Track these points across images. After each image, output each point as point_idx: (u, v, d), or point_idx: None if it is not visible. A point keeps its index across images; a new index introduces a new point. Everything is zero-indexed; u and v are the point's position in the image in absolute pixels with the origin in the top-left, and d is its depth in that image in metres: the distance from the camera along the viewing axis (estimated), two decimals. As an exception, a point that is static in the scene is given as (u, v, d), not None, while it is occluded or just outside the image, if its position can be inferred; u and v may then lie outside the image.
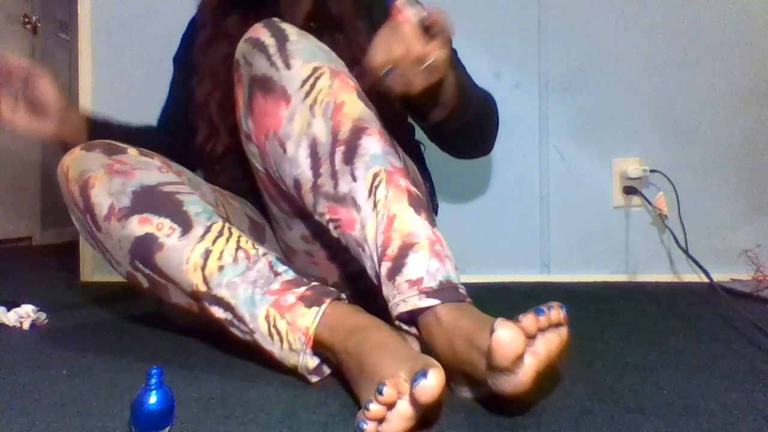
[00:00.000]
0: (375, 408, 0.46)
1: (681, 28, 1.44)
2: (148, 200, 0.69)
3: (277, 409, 0.55)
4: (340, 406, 0.55)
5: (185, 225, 0.67)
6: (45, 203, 2.99)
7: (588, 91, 1.46)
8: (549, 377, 0.59)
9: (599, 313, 1.03)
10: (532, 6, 1.47)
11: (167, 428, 0.47)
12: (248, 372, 0.66)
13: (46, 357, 0.75)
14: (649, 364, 0.69)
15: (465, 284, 0.61)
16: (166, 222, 0.67)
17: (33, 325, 0.92)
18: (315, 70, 0.67)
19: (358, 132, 0.64)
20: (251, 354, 0.66)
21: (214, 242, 0.66)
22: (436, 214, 1.11)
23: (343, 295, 0.65)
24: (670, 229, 1.35)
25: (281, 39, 0.69)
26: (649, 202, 1.41)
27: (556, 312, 0.50)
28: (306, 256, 0.84)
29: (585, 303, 1.14)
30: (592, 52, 1.46)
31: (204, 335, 0.82)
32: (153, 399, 0.46)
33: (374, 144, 0.64)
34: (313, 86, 0.66)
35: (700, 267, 1.07)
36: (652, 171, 1.41)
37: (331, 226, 0.66)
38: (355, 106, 0.66)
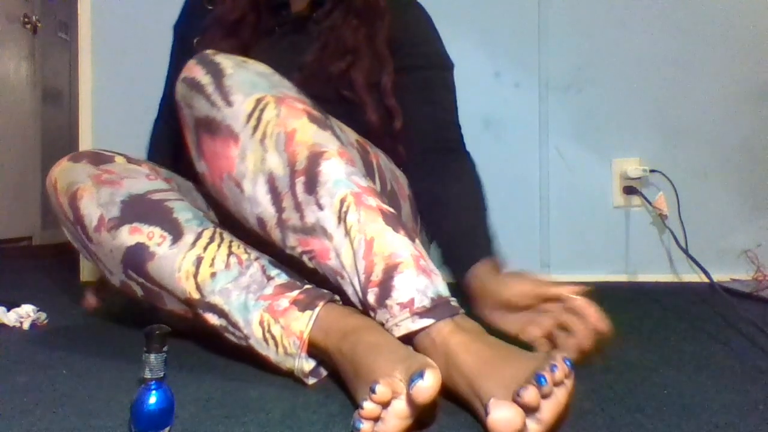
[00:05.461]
0: (369, 407, 0.46)
1: (681, 28, 1.44)
2: (138, 209, 0.68)
3: (277, 409, 0.55)
4: (340, 406, 0.55)
5: (176, 232, 0.67)
6: (45, 203, 2.98)
7: (588, 91, 1.46)
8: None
9: (599, 313, 1.03)
10: (532, 6, 1.46)
11: (167, 428, 0.47)
12: (248, 372, 0.66)
13: (46, 357, 0.75)
14: (649, 364, 0.69)
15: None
16: (157, 230, 0.67)
17: (33, 325, 0.92)
18: (258, 102, 0.63)
19: (315, 158, 0.61)
20: (250, 355, 0.66)
21: (205, 249, 0.66)
22: None
23: (337, 297, 0.64)
24: (670, 229, 1.35)
25: (217, 75, 0.64)
26: (649, 202, 1.41)
27: (560, 371, 0.47)
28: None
29: (585, 303, 1.14)
30: (592, 52, 1.46)
31: (201, 338, 0.82)
32: (153, 399, 0.46)
33: (335, 168, 0.61)
34: (259, 120, 0.62)
35: (700, 267, 1.07)
36: (652, 171, 1.41)
37: (305, 258, 0.64)
38: (307, 132, 0.62)
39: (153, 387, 0.47)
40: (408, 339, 0.58)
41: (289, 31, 0.94)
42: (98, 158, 0.75)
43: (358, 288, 0.60)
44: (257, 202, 0.64)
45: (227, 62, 0.65)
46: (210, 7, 0.95)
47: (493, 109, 1.47)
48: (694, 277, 1.36)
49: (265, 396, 0.58)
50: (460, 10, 1.46)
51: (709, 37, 1.43)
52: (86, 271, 1.53)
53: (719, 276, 1.23)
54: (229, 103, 0.63)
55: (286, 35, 0.94)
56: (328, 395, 0.58)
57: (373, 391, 0.45)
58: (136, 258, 0.67)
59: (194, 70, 0.66)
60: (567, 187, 1.46)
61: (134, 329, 0.91)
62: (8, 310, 0.93)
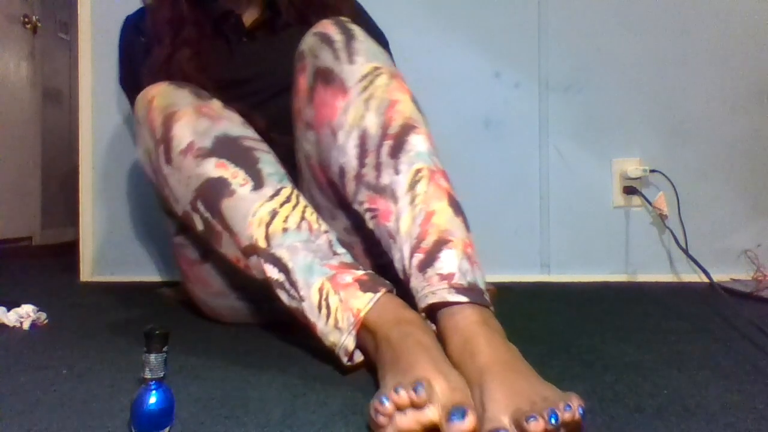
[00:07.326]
0: (403, 396, 0.45)
1: (681, 28, 1.44)
2: (228, 148, 0.71)
3: (277, 409, 0.55)
4: (340, 406, 0.55)
5: (258, 182, 0.69)
6: (45, 203, 2.99)
7: (588, 91, 1.46)
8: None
9: (599, 313, 1.03)
10: (532, 6, 1.47)
11: (167, 428, 0.47)
12: (248, 372, 0.66)
13: (46, 357, 0.75)
14: (649, 364, 0.69)
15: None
16: (241, 173, 0.69)
17: (33, 325, 0.92)
18: (375, 69, 0.71)
19: (407, 129, 0.67)
20: (252, 353, 0.66)
21: (281, 205, 0.68)
22: None
23: (395, 290, 0.65)
24: (670, 229, 1.35)
25: (349, 37, 0.73)
26: (649, 202, 1.41)
27: (570, 414, 0.45)
28: (346, 247, 0.85)
29: (585, 303, 1.14)
30: (592, 52, 1.46)
31: (212, 321, 0.83)
32: (153, 399, 0.46)
33: (421, 142, 0.67)
34: (371, 82, 0.70)
35: (700, 267, 1.07)
36: (652, 171, 1.41)
37: (368, 215, 0.68)
38: (408, 106, 0.69)
39: (153, 387, 0.47)
40: (431, 313, 0.60)
41: (261, 35, 0.97)
42: (199, 93, 0.78)
43: (406, 254, 0.62)
44: (345, 152, 0.69)
45: (360, 32, 0.75)
46: (144, 39, 0.95)
47: (493, 109, 1.47)
48: (694, 277, 1.36)
49: (265, 396, 0.58)
50: (460, 10, 1.46)
51: (709, 37, 1.43)
52: (86, 271, 1.53)
53: (719, 276, 1.23)
54: (351, 62, 0.71)
55: (254, 41, 0.97)
56: (328, 395, 0.58)
57: (415, 390, 0.45)
58: (214, 190, 0.69)
59: (329, 27, 0.75)
60: (567, 187, 1.46)
61: (134, 329, 0.91)
62: (8, 310, 0.93)
